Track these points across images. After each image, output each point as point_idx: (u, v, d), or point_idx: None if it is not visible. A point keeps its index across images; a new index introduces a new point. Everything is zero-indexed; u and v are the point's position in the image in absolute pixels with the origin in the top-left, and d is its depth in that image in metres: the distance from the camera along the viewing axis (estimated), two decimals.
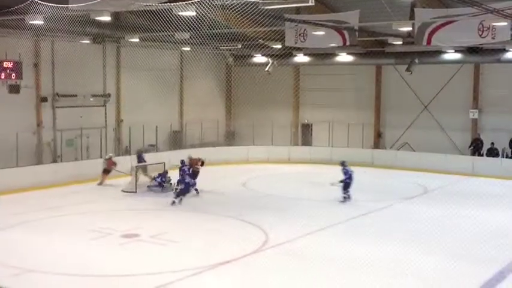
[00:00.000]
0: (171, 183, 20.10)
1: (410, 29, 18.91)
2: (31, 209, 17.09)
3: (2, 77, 21.51)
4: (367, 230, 14.99)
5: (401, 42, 22.69)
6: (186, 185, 18.37)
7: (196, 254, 12.80)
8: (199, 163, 19.87)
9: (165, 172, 20.66)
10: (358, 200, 19.01)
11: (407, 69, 25.41)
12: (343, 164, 18.81)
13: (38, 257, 12.39)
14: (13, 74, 21.81)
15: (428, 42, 18.62)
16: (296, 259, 12.53)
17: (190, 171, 19.04)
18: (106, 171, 21.56)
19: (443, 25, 17.92)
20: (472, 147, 25.95)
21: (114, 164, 21.79)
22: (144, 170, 21.37)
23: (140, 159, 22.12)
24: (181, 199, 18.19)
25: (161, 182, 20.24)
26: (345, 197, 18.55)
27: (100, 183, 21.28)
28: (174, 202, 18.03)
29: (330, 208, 17.85)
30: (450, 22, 17.63)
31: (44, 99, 23.17)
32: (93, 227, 14.87)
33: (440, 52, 24.82)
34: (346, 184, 18.53)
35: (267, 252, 12.98)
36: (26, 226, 15.17)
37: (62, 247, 13.17)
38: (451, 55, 24.94)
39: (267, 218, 16.09)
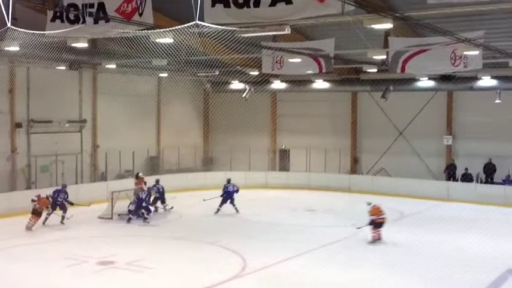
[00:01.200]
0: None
1: (384, 57, 19.24)
2: (4, 237, 16.75)
3: None
4: (343, 255, 15.00)
5: (376, 70, 23.10)
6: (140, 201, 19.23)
7: (173, 280, 12.69)
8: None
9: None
10: (335, 225, 19.07)
11: (383, 96, 25.77)
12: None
13: (10, 286, 12.12)
14: None
15: (403, 70, 18.94)
16: (274, 285, 12.49)
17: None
18: (36, 213, 17.97)
19: (416, 53, 18.27)
20: (447, 172, 26.32)
21: (44, 204, 18.29)
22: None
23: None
24: (130, 218, 19.18)
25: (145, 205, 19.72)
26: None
27: (29, 228, 17.76)
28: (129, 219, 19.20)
29: (307, 233, 17.86)
30: (423, 51, 17.98)
31: (19, 125, 22.94)
32: (68, 254, 14.63)
33: (414, 80, 25.27)
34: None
35: (245, 278, 12.91)
36: (0, 253, 14.89)
37: (36, 276, 12.93)
38: (425, 83, 25.41)
39: (244, 244, 16.03)
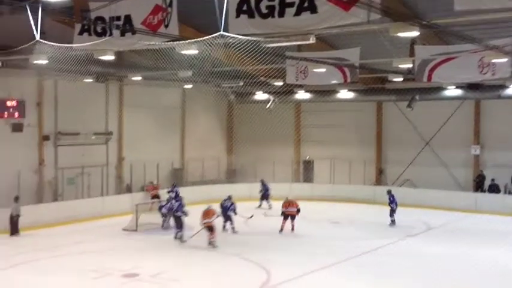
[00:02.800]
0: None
1: (410, 66, 19.05)
2: (32, 249, 16.90)
3: (5, 115, 21.63)
4: (370, 268, 14.78)
5: (402, 79, 22.85)
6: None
7: None
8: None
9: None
10: (361, 238, 18.83)
11: (409, 106, 25.50)
12: (389, 192, 21.50)
13: None
14: (16, 113, 21.93)
15: (429, 78, 18.73)
16: None
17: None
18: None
19: (443, 62, 18.06)
20: (475, 182, 25.84)
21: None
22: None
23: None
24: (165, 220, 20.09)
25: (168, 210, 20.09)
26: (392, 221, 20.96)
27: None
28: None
29: (332, 246, 17.65)
30: (450, 59, 17.76)
31: (46, 138, 23.22)
32: (93, 266, 14.66)
33: (441, 88, 24.94)
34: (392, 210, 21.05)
35: None
36: (27, 266, 14.97)
37: None
38: (452, 91, 25.05)
39: (268, 256, 15.90)
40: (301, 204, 24.10)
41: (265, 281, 13.47)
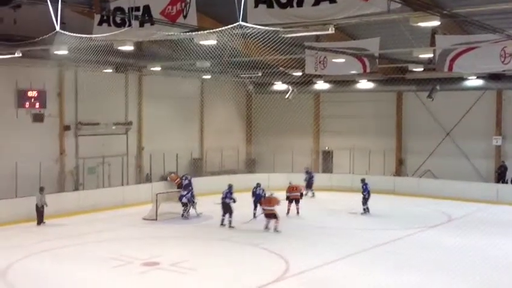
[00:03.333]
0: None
1: (431, 55, 18.83)
2: (54, 237, 17.18)
3: (27, 106, 21.89)
4: (390, 259, 14.72)
5: (422, 69, 22.61)
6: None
7: (217, 283, 12.70)
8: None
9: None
10: (381, 229, 18.77)
11: (429, 96, 25.24)
12: (363, 181, 21.60)
13: (58, 285, 12.39)
14: (37, 103, 22.19)
15: (450, 68, 18.49)
16: None
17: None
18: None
19: (464, 51, 17.80)
20: (497, 173, 25.55)
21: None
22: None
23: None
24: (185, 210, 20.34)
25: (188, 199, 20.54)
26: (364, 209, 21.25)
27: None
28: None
29: (351, 236, 17.63)
30: (472, 48, 17.49)
31: (67, 128, 23.47)
32: (114, 255, 14.85)
33: (462, 78, 24.64)
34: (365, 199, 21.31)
35: (288, 281, 12.80)
36: (48, 254, 15.22)
37: (83, 275, 13.15)
38: (473, 81, 24.74)
39: (287, 246, 15.96)
40: (320, 195, 24.21)
41: (284, 271, 13.52)
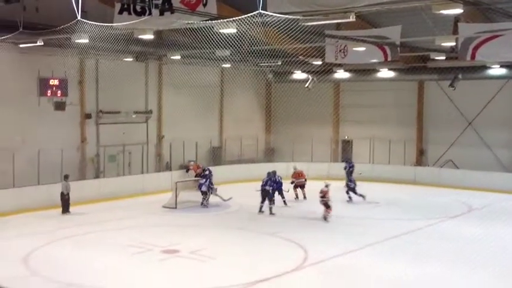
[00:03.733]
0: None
1: (453, 44, 18.57)
2: (75, 224, 17.43)
3: (48, 94, 22.09)
4: (410, 249, 14.65)
5: (444, 58, 22.31)
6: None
7: (235, 271, 12.75)
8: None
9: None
10: (400, 219, 18.66)
11: (451, 85, 24.89)
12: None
13: (78, 272, 12.54)
14: (59, 92, 22.36)
15: (473, 57, 18.22)
16: (336, 278, 12.35)
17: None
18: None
19: (487, 40, 17.52)
20: None
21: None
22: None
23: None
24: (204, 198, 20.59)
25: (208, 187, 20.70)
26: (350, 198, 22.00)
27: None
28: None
29: (370, 226, 17.56)
30: (495, 37, 17.21)
31: (88, 116, 23.66)
32: (134, 242, 15.01)
33: (484, 67, 24.23)
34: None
35: (307, 270, 12.82)
36: (69, 241, 15.44)
37: (103, 262, 13.31)
38: (496, 70, 24.34)
39: (306, 235, 15.96)
40: (339, 184, 24.15)
41: (303, 260, 13.54)
